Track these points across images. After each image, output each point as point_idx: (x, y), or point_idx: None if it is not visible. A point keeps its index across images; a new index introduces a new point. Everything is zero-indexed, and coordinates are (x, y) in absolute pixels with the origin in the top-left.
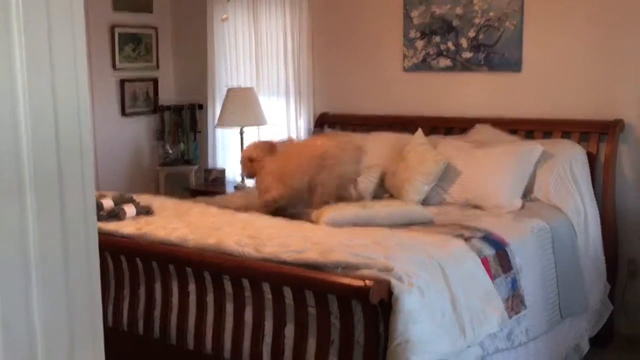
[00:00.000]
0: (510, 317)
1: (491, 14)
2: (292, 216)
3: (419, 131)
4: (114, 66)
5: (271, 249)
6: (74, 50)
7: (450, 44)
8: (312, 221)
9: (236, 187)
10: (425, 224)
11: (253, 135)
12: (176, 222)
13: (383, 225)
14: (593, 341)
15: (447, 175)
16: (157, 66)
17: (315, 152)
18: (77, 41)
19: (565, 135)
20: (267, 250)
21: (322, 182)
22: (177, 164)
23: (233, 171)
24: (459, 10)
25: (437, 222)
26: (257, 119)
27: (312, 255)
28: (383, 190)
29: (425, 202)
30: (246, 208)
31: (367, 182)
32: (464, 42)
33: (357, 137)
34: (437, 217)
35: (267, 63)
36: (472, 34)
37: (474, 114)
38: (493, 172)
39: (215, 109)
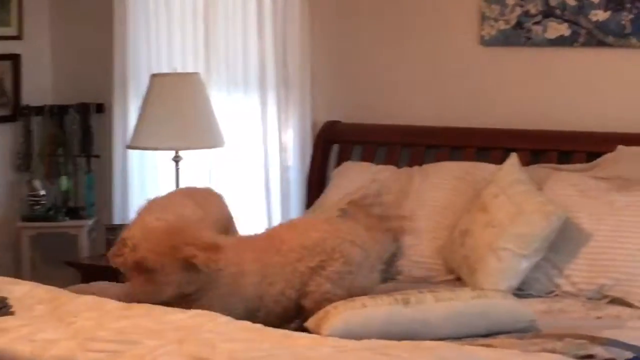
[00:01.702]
0: None
1: None
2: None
3: (512, 157)
4: None
5: None
6: None
7: None
8: (307, 329)
9: None
10: (522, 332)
11: (197, 163)
12: (54, 328)
13: (441, 337)
14: None
15: (563, 241)
16: (20, 34)
17: (306, 238)
18: None
19: None
20: None
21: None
22: (55, 217)
23: None
24: None
25: (543, 330)
26: (208, 134)
27: None
28: (441, 268)
29: (521, 292)
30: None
31: (410, 253)
32: None
33: (393, 176)
34: (544, 319)
35: (224, 32)
36: None
37: (612, 127)
38: None
39: (128, 113)
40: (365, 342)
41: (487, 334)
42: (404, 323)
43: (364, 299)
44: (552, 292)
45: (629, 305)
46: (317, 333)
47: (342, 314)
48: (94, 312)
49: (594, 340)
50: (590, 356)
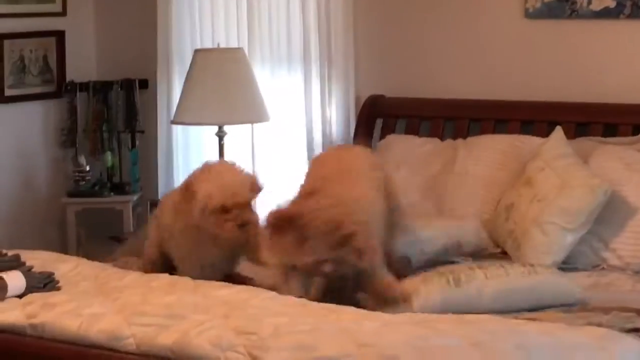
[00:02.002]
0: None
1: None
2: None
3: (557, 131)
4: None
5: (280, 354)
6: None
7: None
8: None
9: None
10: (568, 307)
11: (242, 138)
12: (100, 303)
13: (490, 312)
14: None
15: (609, 214)
16: (64, 10)
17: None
18: None
19: None
20: (272, 357)
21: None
22: (101, 192)
23: None
24: None
25: (590, 304)
26: (252, 109)
27: None
28: (487, 241)
29: (567, 265)
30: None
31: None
32: None
33: (436, 148)
34: (591, 293)
35: (268, 7)
36: None
37: None
38: None
39: (172, 89)
40: (409, 315)
41: (534, 309)
42: (456, 304)
43: (417, 283)
44: (598, 265)
45: None
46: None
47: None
48: (140, 288)
49: None
50: (637, 329)
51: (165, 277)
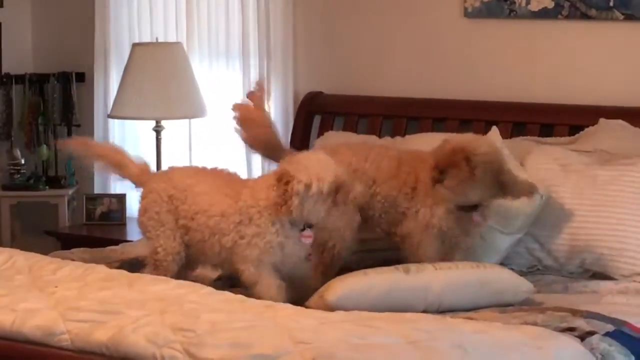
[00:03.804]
0: None
1: None
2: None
3: (493, 131)
4: None
5: (217, 351)
6: None
7: None
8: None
9: None
10: (521, 303)
11: (179, 134)
12: (35, 298)
13: (443, 305)
14: None
15: (545, 215)
16: (1, 2)
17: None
18: None
19: None
20: (208, 354)
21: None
22: (36, 186)
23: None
24: None
25: (530, 303)
26: (190, 104)
27: None
28: None
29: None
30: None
31: None
32: None
33: (377, 145)
34: None
35: (207, 3)
36: None
37: (594, 100)
38: (633, 211)
39: (109, 83)
40: (349, 313)
41: (488, 305)
42: (405, 290)
43: (366, 270)
44: (533, 266)
45: (610, 279)
46: (322, 300)
47: (344, 281)
48: (75, 282)
49: (575, 313)
50: (572, 329)
51: (100, 271)
